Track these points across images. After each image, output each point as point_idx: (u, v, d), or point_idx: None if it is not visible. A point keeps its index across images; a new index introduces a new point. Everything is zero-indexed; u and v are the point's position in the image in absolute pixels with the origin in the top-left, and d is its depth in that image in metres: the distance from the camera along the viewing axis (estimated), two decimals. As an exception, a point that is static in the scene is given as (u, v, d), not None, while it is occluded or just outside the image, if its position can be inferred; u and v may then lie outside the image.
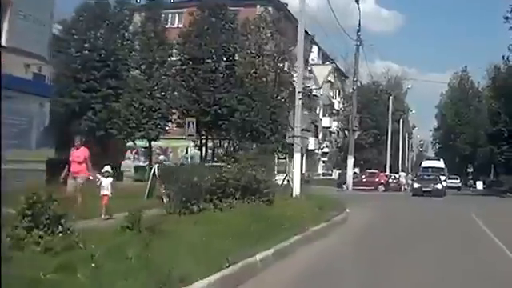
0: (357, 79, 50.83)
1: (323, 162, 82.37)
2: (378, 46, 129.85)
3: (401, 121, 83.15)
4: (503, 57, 51.01)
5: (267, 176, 17.87)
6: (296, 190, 22.94)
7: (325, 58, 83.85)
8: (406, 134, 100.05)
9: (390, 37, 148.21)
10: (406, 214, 22.75)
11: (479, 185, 76.90)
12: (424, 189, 41.20)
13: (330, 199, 22.99)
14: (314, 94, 63.55)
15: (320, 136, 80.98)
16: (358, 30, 48.60)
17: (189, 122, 32.62)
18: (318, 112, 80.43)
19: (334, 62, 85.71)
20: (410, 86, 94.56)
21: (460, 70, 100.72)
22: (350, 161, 48.25)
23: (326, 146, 76.97)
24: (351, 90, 78.48)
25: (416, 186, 43.77)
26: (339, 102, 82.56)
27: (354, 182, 51.06)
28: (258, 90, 46.26)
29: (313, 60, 76.43)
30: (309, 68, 75.58)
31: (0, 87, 13.34)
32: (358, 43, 48.75)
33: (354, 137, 48.80)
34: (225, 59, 49.86)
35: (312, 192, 25.47)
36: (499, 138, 65.36)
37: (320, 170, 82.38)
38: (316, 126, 78.72)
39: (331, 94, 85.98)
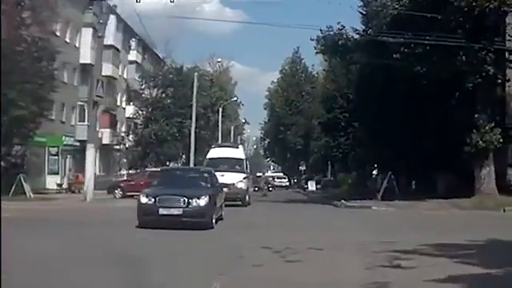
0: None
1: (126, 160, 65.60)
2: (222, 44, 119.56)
3: (220, 109, 68.61)
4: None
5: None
6: None
7: (128, 33, 67.20)
8: (233, 128, 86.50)
9: (234, 36, 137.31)
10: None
11: (311, 185, 63.93)
12: (163, 211, 16.60)
13: None
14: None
15: (123, 128, 64.58)
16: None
17: None
18: (117, 98, 64.11)
19: (140, 39, 69.42)
20: (231, 64, 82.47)
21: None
22: (90, 152, 29.88)
23: (129, 141, 60.10)
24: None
25: (145, 201, 17.11)
26: (149, 88, 66.16)
27: (127, 186, 36.23)
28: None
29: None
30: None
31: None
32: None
33: (97, 113, 31.37)
34: None
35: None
36: (335, 128, 54.49)
37: (125, 171, 65.60)
38: (113, 115, 62.64)
39: (137, 77, 69.28)
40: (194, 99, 50.82)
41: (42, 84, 31.72)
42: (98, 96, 29.40)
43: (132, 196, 33.51)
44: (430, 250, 12.24)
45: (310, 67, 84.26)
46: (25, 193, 30.99)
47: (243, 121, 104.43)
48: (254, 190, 56.17)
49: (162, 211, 16.58)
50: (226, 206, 21.14)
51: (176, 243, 13.97)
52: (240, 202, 29.49)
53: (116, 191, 37.12)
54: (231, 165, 31.53)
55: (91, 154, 29.52)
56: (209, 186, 18.84)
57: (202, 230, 16.13)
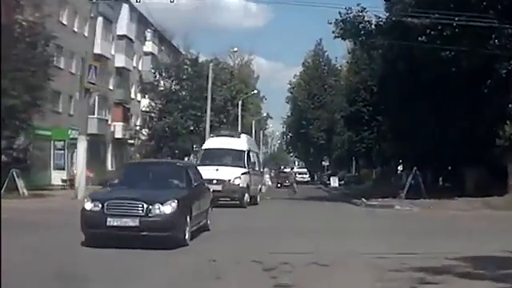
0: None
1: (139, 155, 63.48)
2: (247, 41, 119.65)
3: (240, 102, 66.38)
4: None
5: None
6: None
7: (143, 23, 65.05)
8: (254, 122, 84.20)
9: (260, 32, 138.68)
10: None
11: (334, 181, 61.62)
12: (113, 222, 11.72)
13: None
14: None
15: (138, 122, 62.29)
16: None
17: None
18: (131, 91, 61.92)
19: (156, 30, 67.27)
20: (252, 57, 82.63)
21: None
22: (81, 145, 26.85)
23: (143, 134, 57.93)
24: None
25: (89, 207, 12.06)
26: (163, 80, 64.05)
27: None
28: None
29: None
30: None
31: None
32: None
33: (90, 101, 28.79)
34: None
35: None
36: (358, 122, 52.20)
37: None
38: (126, 108, 60.55)
39: (152, 69, 67.22)
40: (209, 91, 48.69)
41: (34, 71, 29.23)
42: (90, 83, 26.80)
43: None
44: (464, 268, 9.68)
45: (333, 60, 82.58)
46: (18, 189, 28.83)
47: (265, 115, 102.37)
48: (277, 187, 54.26)
49: (111, 222, 11.71)
50: (221, 207, 18.46)
51: (130, 260, 10.59)
52: (238, 202, 25.97)
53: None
54: (229, 157, 27.49)
55: (82, 147, 26.41)
56: (183, 185, 13.57)
57: (170, 249, 11.61)
